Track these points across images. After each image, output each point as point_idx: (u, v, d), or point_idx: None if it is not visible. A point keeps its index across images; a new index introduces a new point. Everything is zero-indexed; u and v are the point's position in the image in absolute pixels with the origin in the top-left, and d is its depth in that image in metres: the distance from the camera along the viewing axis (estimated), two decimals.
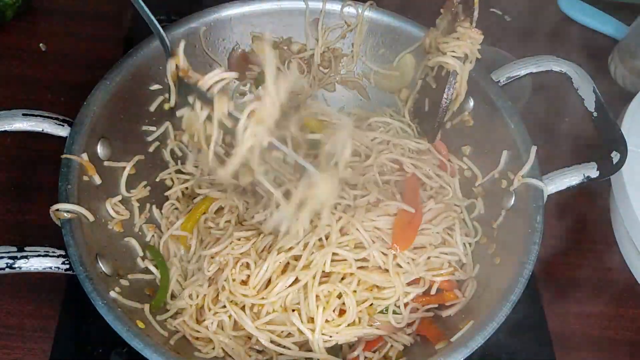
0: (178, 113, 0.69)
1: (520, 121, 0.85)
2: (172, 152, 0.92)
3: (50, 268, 0.70)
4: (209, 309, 0.78)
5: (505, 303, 0.72)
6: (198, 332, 0.77)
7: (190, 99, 0.67)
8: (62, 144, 0.77)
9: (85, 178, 0.77)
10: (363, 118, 0.98)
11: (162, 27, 0.73)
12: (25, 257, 0.69)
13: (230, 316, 0.77)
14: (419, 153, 0.93)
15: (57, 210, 0.72)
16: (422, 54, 0.91)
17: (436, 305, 0.82)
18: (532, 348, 0.88)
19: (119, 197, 0.83)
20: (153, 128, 0.89)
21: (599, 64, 1.18)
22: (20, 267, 0.69)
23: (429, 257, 0.82)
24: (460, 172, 0.93)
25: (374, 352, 0.79)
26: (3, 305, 0.86)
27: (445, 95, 0.83)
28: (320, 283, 0.77)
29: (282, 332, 0.77)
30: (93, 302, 0.68)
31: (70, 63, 1.11)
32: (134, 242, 0.83)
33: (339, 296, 0.77)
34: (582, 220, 1.01)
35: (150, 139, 0.89)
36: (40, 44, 1.13)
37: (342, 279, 0.78)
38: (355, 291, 0.78)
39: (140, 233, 0.85)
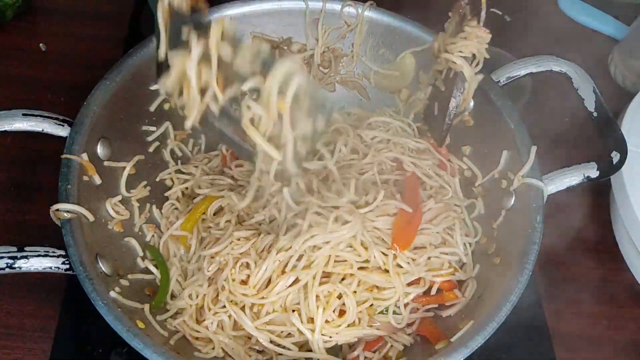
0: (171, 59, 0.63)
1: (520, 121, 0.85)
2: (172, 152, 0.92)
3: (50, 268, 0.70)
4: (209, 309, 0.77)
5: (505, 303, 0.72)
6: (198, 332, 0.77)
7: (184, 34, 0.63)
8: (62, 144, 0.77)
9: (85, 178, 0.77)
10: (363, 118, 0.98)
11: None
12: (25, 257, 0.69)
13: (230, 316, 0.77)
14: (419, 152, 0.93)
15: (57, 210, 0.72)
16: (430, 58, 0.89)
17: (436, 306, 0.82)
18: (532, 348, 0.88)
19: (119, 197, 0.83)
20: (153, 128, 0.89)
21: (599, 64, 1.18)
22: (20, 267, 0.69)
23: (429, 257, 0.82)
24: (460, 172, 0.93)
25: (374, 352, 0.79)
26: (3, 305, 0.86)
27: (453, 103, 0.82)
28: (321, 283, 0.77)
29: (281, 332, 0.77)
30: (93, 302, 0.68)
31: (70, 63, 1.11)
32: (134, 242, 0.83)
33: (339, 297, 0.77)
34: (582, 220, 1.00)
35: (150, 139, 0.89)
36: (40, 44, 1.13)
37: (343, 279, 0.78)
38: (355, 292, 0.78)
39: (140, 233, 0.85)
